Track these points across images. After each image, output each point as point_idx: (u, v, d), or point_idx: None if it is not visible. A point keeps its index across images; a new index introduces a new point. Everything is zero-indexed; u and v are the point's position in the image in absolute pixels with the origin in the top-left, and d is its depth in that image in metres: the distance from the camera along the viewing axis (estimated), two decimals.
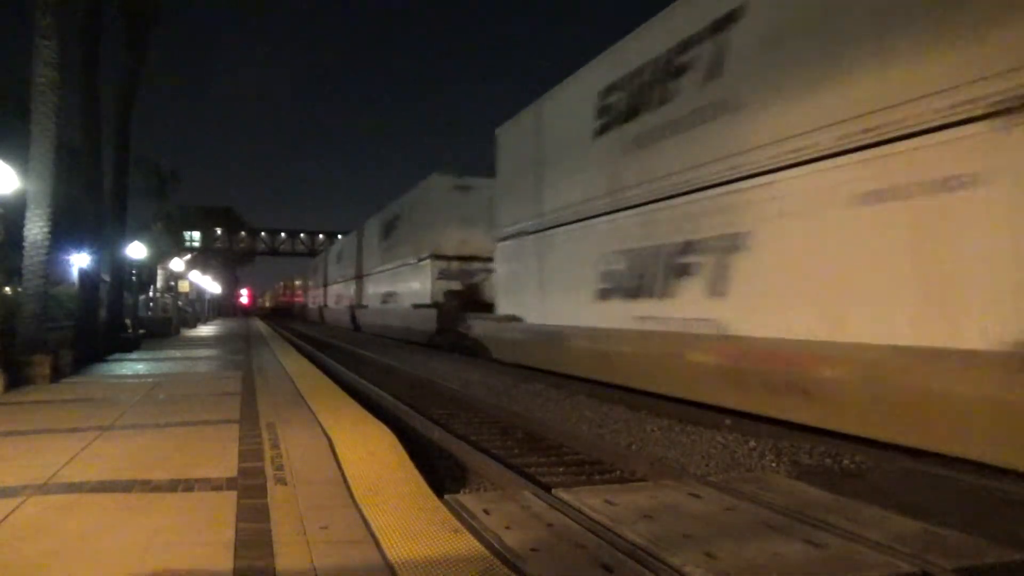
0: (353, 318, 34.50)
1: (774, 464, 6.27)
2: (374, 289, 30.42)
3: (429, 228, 21.93)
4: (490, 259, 19.52)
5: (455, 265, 21.27)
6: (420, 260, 22.49)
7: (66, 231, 17.14)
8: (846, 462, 6.25)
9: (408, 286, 24.06)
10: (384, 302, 27.93)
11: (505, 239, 15.22)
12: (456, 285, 20.62)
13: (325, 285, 47.59)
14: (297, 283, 79.37)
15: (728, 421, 7.86)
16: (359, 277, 33.99)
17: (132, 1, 16.90)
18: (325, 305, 46.94)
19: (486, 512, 3.90)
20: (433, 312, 20.04)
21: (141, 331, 19.73)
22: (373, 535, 3.43)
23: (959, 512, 4.59)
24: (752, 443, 6.96)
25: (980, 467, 5.54)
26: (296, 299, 77.62)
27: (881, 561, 3.22)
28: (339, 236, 57.94)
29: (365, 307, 32.14)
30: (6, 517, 3.67)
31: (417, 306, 22.08)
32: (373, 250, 30.87)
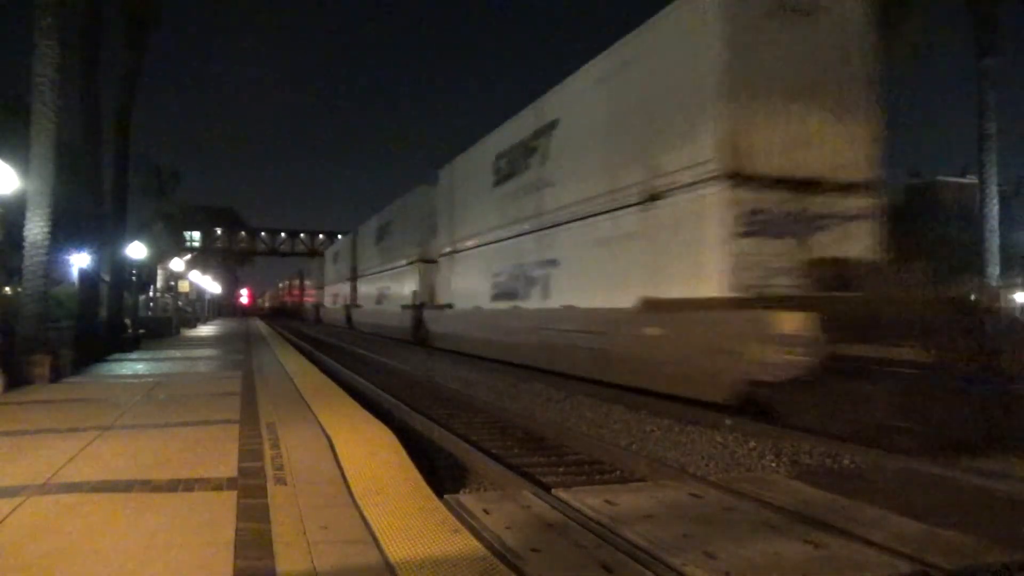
0: (417, 326, 21.41)
1: (774, 464, 6.27)
2: (463, 281, 17.69)
3: (704, 105, 8.70)
4: (864, 185, 8.62)
5: (784, 199, 8.46)
6: (671, 190, 9.23)
7: (66, 231, 17.15)
8: (846, 462, 6.24)
9: (610, 263, 10.76)
10: (500, 298, 15.09)
11: None
12: (786, 248, 8.42)
13: (352, 278, 35.47)
14: (308, 281, 63.53)
15: (728, 421, 7.86)
16: (424, 261, 21.91)
17: (132, 2, 16.93)
18: (354, 304, 35.12)
19: (486, 512, 3.90)
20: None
21: (141, 331, 19.73)
22: (373, 535, 3.42)
23: (959, 512, 4.58)
24: (752, 443, 6.96)
25: (980, 467, 5.54)
26: (306, 299, 64.93)
27: (881, 561, 3.22)
28: (339, 236, 54.70)
29: (447, 309, 18.97)
30: (6, 517, 3.66)
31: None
32: (466, 211, 17.75)
